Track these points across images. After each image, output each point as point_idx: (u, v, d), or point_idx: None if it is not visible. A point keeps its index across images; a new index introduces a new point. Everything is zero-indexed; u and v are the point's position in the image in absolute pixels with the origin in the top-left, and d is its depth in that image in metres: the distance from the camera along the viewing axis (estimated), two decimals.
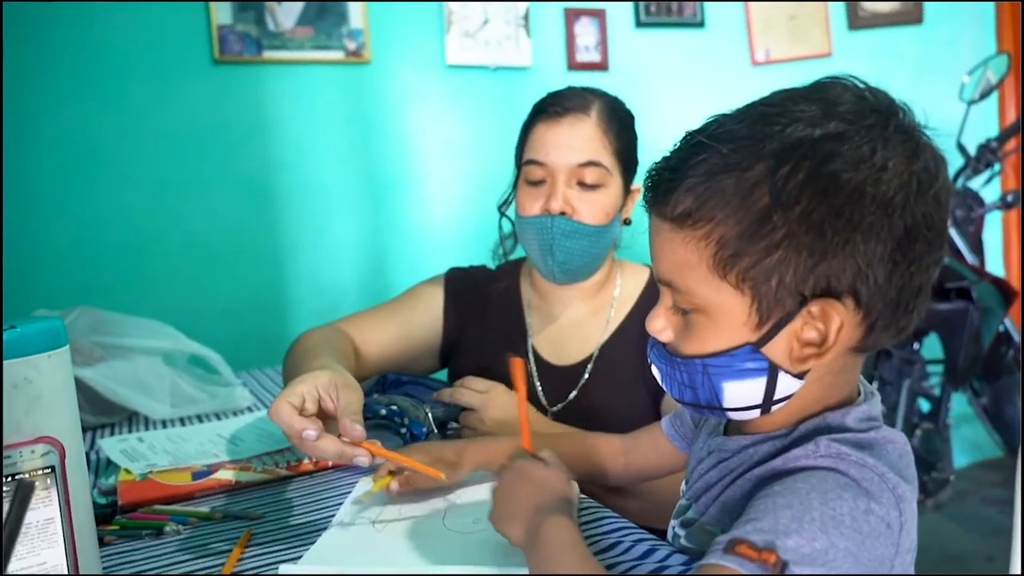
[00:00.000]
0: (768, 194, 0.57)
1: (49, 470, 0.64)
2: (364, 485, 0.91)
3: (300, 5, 2.15)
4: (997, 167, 2.50)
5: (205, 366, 1.47)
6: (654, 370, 0.70)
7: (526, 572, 0.66)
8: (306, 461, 1.01)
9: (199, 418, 1.31)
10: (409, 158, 2.33)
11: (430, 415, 1.10)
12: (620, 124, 1.18)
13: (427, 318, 1.28)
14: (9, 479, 0.62)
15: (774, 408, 0.63)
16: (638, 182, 1.13)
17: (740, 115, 0.62)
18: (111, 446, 1.08)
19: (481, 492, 0.87)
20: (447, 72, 2.36)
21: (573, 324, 1.25)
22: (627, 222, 1.23)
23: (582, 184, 1.14)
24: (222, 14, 2.07)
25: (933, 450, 2.43)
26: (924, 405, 2.54)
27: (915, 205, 0.58)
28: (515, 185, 1.22)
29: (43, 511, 0.64)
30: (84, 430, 1.19)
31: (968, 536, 2.54)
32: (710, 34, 2.72)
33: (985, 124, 2.93)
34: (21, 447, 0.63)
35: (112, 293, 1.94)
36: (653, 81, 2.61)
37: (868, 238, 0.57)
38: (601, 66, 2.55)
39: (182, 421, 1.30)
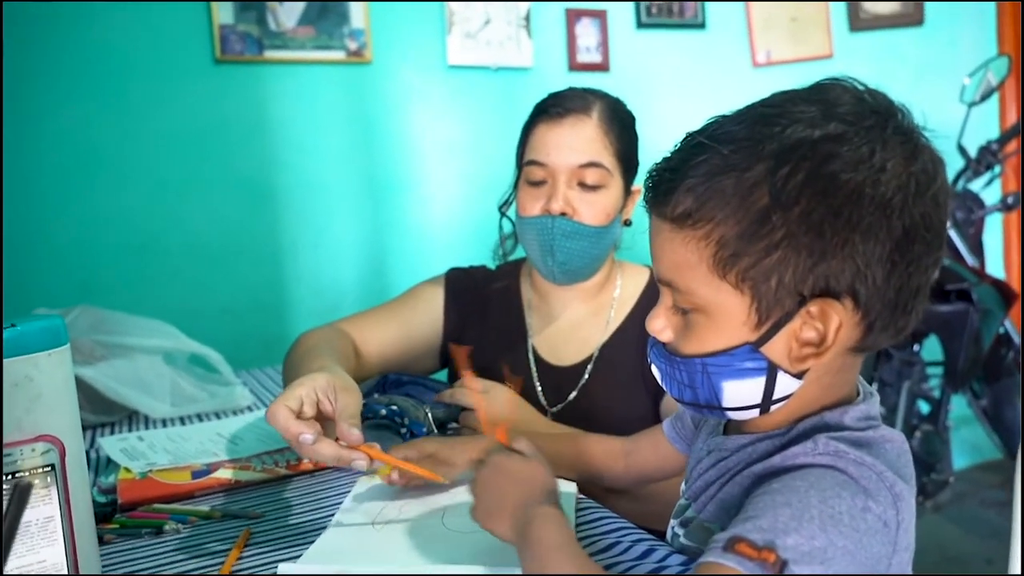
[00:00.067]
0: (768, 194, 0.58)
1: (49, 468, 0.64)
2: (364, 484, 0.91)
3: (301, 5, 2.15)
4: (997, 169, 2.50)
5: (205, 365, 1.47)
6: (654, 370, 0.70)
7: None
8: (306, 461, 1.01)
9: (199, 417, 1.31)
10: (410, 158, 2.34)
11: (430, 415, 1.10)
12: (621, 125, 1.18)
13: (428, 318, 1.28)
14: (9, 477, 0.62)
15: (773, 408, 0.63)
16: (639, 183, 1.13)
17: (740, 116, 0.63)
18: (111, 445, 1.08)
19: None
20: (448, 72, 2.37)
21: (573, 325, 1.25)
22: (627, 223, 1.23)
23: (583, 185, 1.14)
24: (223, 14, 2.07)
25: (932, 452, 2.43)
26: (924, 407, 2.54)
27: (913, 206, 0.58)
28: (516, 185, 1.23)
29: (43, 509, 0.64)
30: (84, 429, 1.19)
31: (967, 538, 2.54)
32: (711, 35, 2.72)
33: (986, 126, 2.93)
34: (21, 445, 0.63)
35: (113, 292, 1.94)
36: (654, 82, 2.61)
37: (867, 238, 0.57)
38: (602, 67, 2.55)
39: (182, 420, 1.30)
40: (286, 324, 2.17)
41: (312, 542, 0.77)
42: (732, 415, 0.65)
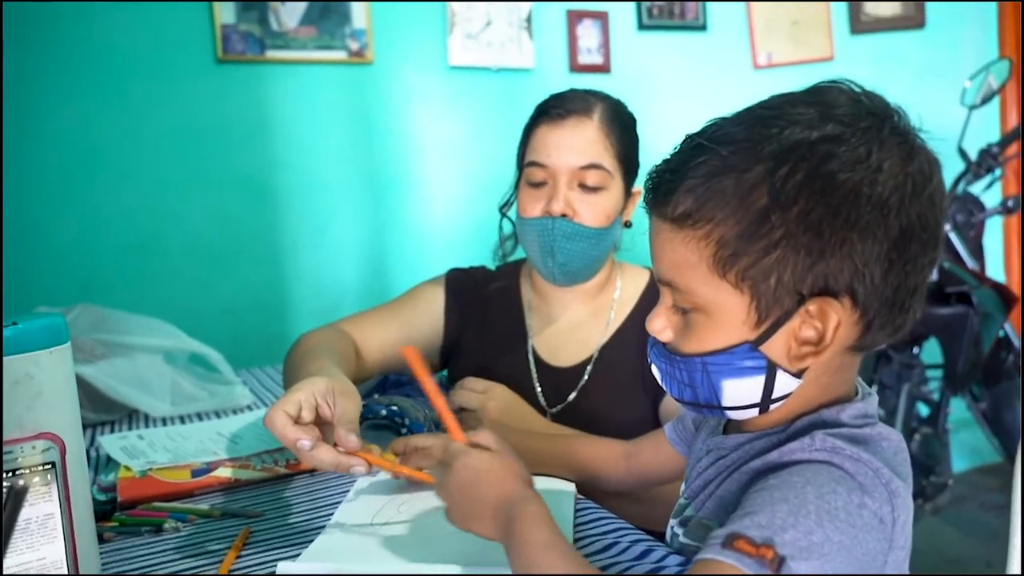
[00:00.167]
0: (767, 195, 0.58)
1: (49, 466, 0.64)
2: (363, 483, 0.91)
3: (303, 5, 2.16)
4: (998, 172, 2.50)
5: (205, 364, 1.47)
6: (654, 369, 0.70)
7: None
8: None
9: (199, 416, 1.31)
10: (410, 159, 2.34)
11: (430, 415, 1.10)
12: (622, 127, 1.18)
13: (428, 319, 1.28)
14: (10, 474, 0.62)
15: (772, 407, 0.64)
16: (639, 185, 1.13)
17: (739, 118, 0.63)
18: (111, 443, 1.08)
19: None
20: (449, 73, 2.37)
21: (573, 326, 1.25)
22: (628, 224, 1.23)
23: (583, 186, 1.14)
24: (225, 13, 2.08)
25: (932, 454, 2.43)
26: (923, 410, 2.54)
27: (910, 206, 0.59)
28: (516, 186, 1.23)
29: (43, 507, 0.64)
30: (84, 427, 1.18)
31: (966, 541, 2.54)
32: (712, 37, 2.72)
33: (986, 129, 2.93)
34: (22, 443, 0.63)
35: (113, 291, 1.94)
36: (655, 84, 2.61)
37: (864, 238, 0.58)
38: (603, 68, 2.55)
39: (182, 419, 1.30)
40: (286, 323, 2.17)
41: (311, 541, 0.77)
42: (732, 414, 0.65)
